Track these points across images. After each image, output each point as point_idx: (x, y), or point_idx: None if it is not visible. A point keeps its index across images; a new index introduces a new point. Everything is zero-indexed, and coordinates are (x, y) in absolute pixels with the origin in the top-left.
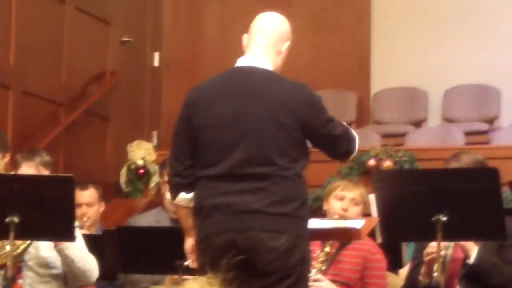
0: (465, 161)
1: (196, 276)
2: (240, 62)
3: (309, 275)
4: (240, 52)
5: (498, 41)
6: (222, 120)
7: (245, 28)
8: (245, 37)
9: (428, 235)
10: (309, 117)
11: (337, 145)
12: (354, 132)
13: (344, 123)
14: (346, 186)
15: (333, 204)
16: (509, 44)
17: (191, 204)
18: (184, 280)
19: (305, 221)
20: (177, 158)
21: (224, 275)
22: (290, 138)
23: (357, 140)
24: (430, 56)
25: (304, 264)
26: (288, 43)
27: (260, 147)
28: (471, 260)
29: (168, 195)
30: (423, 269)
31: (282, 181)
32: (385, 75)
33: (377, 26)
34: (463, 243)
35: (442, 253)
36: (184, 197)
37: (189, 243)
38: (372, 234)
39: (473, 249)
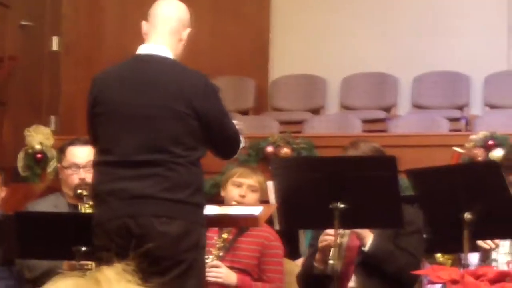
0: (363, 149)
1: (112, 263)
2: (141, 50)
3: (206, 261)
4: (139, 38)
5: (395, 30)
6: (117, 108)
7: (144, 14)
8: (144, 24)
9: (325, 223)
10: (204, 106)
11: (225, 142)
12: (240, 137)
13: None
14: (243, 173)
15: (231, 191)
16: (406, 32)
17: None
18: (81, 265)
19: (199, 208)
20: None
21: (136, 264)
22: (185, 127)
23: (241, 144)
24: (329, 44)
25: (197, 250)
26: (188, 30)
27: (153, 135)
28: (367, 247)
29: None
30: (318, 256)
31: (176, 168)
32: (283, 62)
33: (277, 13)
34: (358, 230)
35: (338, 240)
36: None
37: None
38: (270, 221)
39: (368, 237)
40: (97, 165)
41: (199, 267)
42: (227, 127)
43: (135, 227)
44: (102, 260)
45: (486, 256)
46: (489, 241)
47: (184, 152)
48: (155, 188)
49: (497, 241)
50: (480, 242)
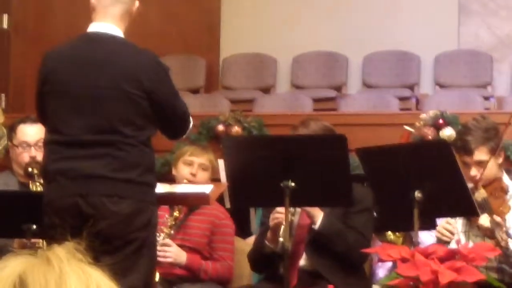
0: (313, 128)
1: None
2: (92, 28)
3: (157, 240)
4: (89, 15)
5: (346, 9)
6: (67, 88)
7: None
8: None
9: (276, 201)
10: (154, 86)
11: (175, 122)
12: (190, 117)
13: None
14: (194, 151)
15: (182, 169)
16: (357, 12)
17: None
18: (32, 243)
19: (150, 187)
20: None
21: (88, 242)
22: (134, 107)
23: (191, 125)
24: (279, 23)
25: (148, 229)
26: (137, 3)
27: (103, 115)
28: (317, 226)
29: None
30: (268, 234)
31: (126, 148)
32: (234, 41)
33: None
34: (308, 209)
35: (289, 218)
36: None
37: None
38: (221, 200)
39: (318, 215)
40: (47, 144)
41: (151, 245)
42: (176, 108)
43: (86, 206)
44: (53, 238)
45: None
46: (447, 233)
47: (134, 132)
48: (106, 168)
49: (454, 231)
50: (438, 235)
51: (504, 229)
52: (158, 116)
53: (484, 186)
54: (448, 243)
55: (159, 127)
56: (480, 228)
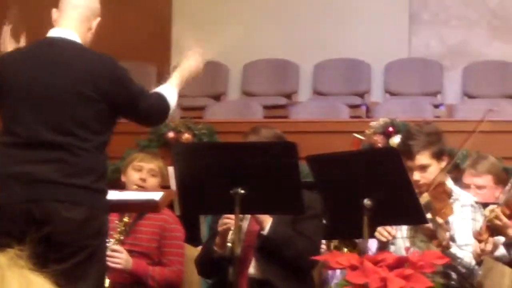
0: (264, 135)
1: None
2: (51, 33)
3: (107, 245)
4: (50, 24)
5: (297, 16)
6: (22, 89)
7: (56, 4)
8: (54, 12)
9: (226, 208)
10: (112, 89)
11: (146, 117)
12: (169, 97)
13: (157, 92)
14: (144, 157)
15: (131, 175)
16: (308, 19)
17: None
18: None
19: (102, 194)
20: None
21: (31, 249)
22: (91, 110)
23: (172, 103)
24: (229, 30)
25: (100, 236)
26: (98, 19)
27: (57, 117)
28: (265, 231)
29: None
30: (217, 240)
31: (80, 153)
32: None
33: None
34: (257, 215)
35: (237, 224)
36: None
37: None
38: (171, 207)
39: (267, 221)
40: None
41: (102, 253)
42: (140, 105)
43: (38, 212)
44: (3, 245)
45: (383, 247)
46: (385, 233)
47: (89, 135)
48: (59, 173)
49: (393, 232)
50: (377, 235)
51: (446, 230)
52: (125, 115)
53: (428, 191)
54: (386, 243)
55: (132, 120)
56: (422, 228)
